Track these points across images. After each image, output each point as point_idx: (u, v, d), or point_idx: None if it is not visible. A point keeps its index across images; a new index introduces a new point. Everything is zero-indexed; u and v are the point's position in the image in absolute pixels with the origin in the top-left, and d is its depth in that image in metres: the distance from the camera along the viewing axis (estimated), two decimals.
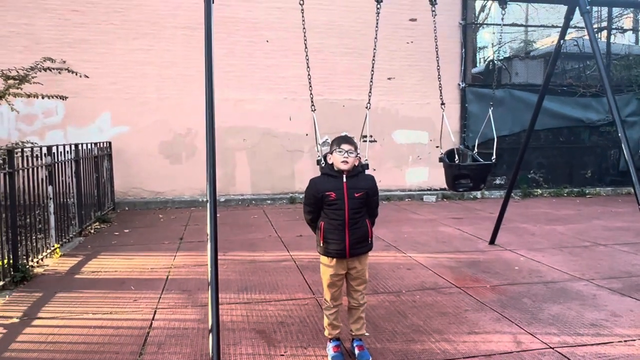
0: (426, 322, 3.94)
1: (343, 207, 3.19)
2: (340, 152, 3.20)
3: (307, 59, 4.71)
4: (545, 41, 20.18)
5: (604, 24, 14.90)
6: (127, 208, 9.81)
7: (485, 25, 20.62)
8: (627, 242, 6.77)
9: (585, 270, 5.38)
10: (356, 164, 3.29)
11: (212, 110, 3.65)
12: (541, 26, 15.72)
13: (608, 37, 13.34)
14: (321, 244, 3.29)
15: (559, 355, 3.36)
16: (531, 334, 3.70)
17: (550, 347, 3.47)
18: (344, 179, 3.23)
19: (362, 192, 3.24)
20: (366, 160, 4.31)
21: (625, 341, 3.58)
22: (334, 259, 3.26)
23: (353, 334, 3.39)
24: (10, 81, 7.65)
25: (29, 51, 9.34)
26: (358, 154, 3.30)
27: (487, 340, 3.61)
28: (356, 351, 3.31)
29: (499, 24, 6.72)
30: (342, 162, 3.20)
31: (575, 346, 3.50)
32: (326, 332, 3.40)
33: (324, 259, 3.32)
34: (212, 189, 3.48)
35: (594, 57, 5.11)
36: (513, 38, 23.17)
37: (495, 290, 4.72)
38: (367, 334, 3.53)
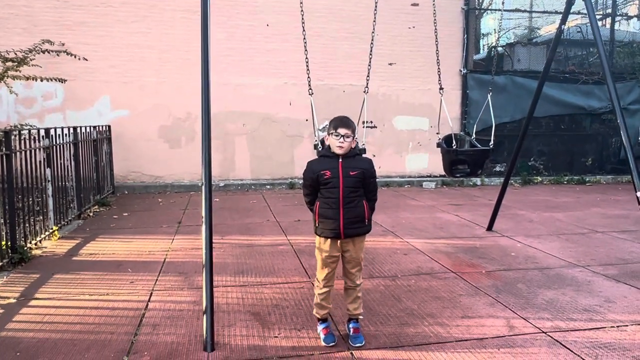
0: (420, 306, 3.96)
1: (337, 185, 3.19)
2: (337, 136, 3.19)
3: (305, 42, 4.69)
4: (550, 28, 20.00)
5: (609, 11, 14.73)
6: (126, 192, 9.83)
7: (489, 11, 20.40)
8: (625, 229, 6.77)
9: (582, 257, 5.39)
10: (353, 146, 3.28)
11: (208, 95, 3.64)
12: (545, 12, 15.52)
13: (612, 24, 13.17)
14: (316, 224, 3.30)
15: (550, 339, 3.38)
16: (524, 319, 3.72)
17: (543, 332, 3.49)
18: (340, 159, 3.23)
19: (357, 171, 3.22)
20: (363, 144, 4.30)
21: (617, 326, 3.60)
22: (328, 240, 3.26)
23: (350, 313, 3.40)
24: (9, 63, 7.61)
25: (27, 33, 9.29)
26: (355, 137, 3.28)
27: (480, 324, 3.63)
28: (351, 333, 3.33)
29: (502, 10, 6.63)
30: (338, 146, 3.20)
31: (567, 331, 3.51)
32: (314, 311, 3.42)
33: (318, 240, 3.33)
34: (207, 172, 3.49)
35: (594, 43, 5.07)
36: (517, 24, 22.95)
37: (490, 276, 4.74)
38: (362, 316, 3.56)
